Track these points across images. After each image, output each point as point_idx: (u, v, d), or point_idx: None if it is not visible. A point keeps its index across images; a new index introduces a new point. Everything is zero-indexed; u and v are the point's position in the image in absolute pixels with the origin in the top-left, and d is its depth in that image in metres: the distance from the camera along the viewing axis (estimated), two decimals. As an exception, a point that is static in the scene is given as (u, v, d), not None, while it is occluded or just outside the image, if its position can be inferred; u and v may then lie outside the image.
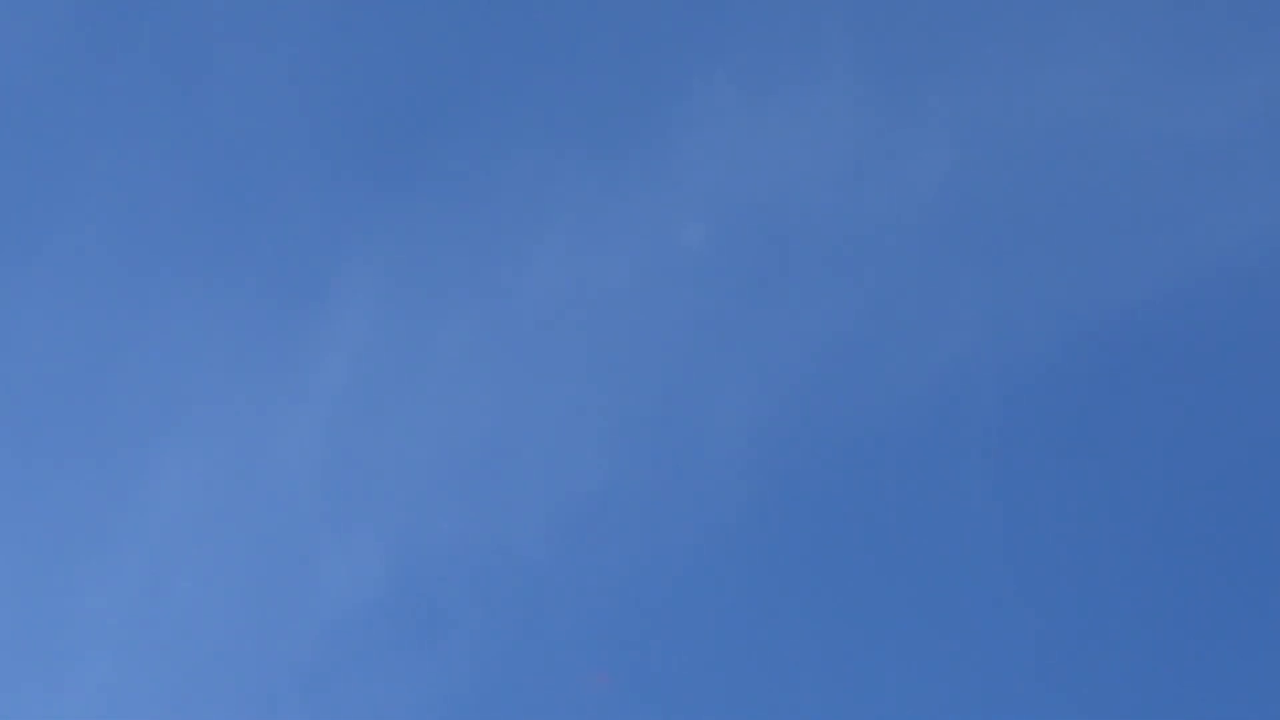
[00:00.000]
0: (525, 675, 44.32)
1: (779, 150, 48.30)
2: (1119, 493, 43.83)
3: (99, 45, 50.35)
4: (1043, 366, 45.34)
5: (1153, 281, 45.19)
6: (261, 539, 45.89)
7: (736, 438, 45.65)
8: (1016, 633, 43.31)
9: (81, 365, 48.15)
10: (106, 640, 45.48)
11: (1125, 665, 42.73)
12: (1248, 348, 44.10)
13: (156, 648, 45.04)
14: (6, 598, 45.90)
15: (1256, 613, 42.54)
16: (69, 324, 49.12)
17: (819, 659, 43.92)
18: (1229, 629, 42.81)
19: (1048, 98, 47.75)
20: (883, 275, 46.66)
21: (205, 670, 45.19)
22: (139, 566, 45.79)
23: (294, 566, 45.32)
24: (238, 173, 49.98)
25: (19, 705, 44.81)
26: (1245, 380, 44.05)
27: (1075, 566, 43.43)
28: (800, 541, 44.75)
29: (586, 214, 48.25)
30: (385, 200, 49.11)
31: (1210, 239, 44.79)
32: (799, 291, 46.79)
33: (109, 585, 45.74)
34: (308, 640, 44.82)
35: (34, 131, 50.07)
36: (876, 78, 48.76)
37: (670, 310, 47.07)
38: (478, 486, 45.94)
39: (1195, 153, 46.35)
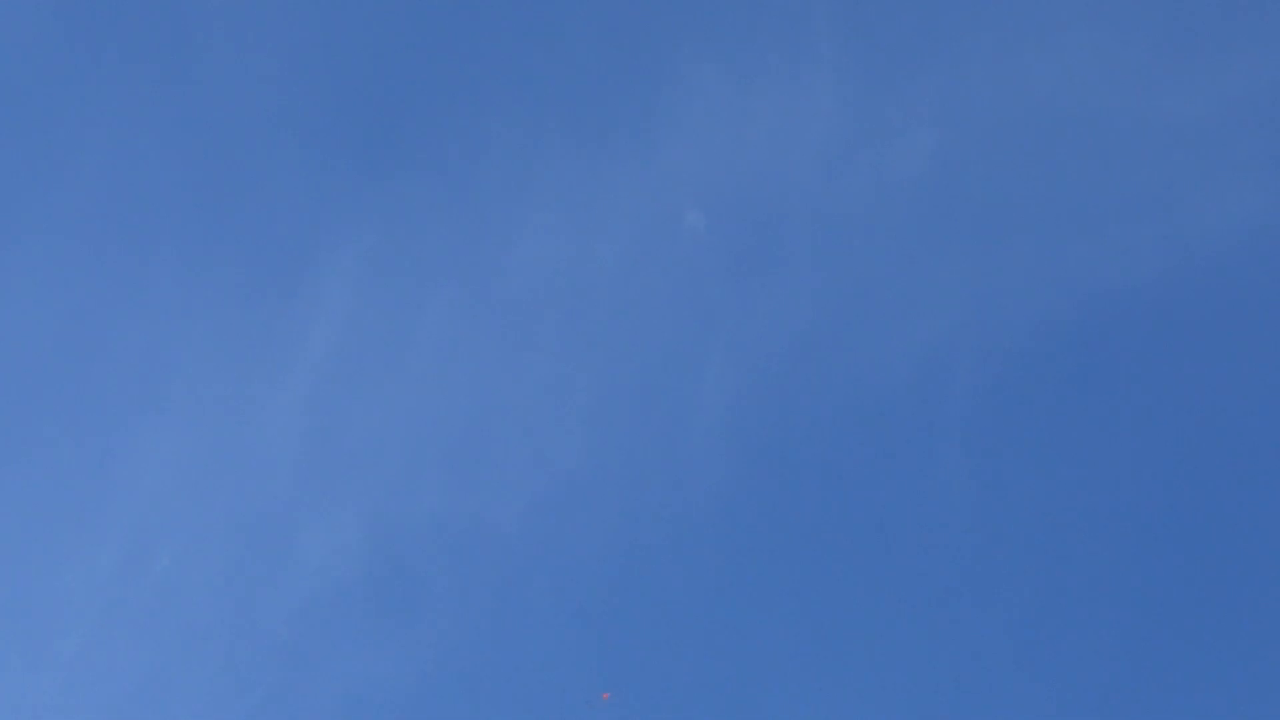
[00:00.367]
0: (502, 649, 44.44)
1: (763, 136, 48.38)
2: (1094, 474, 43.90)
3: (88, 32, 50.55)
4: (1022, 349, 45.45)
5: (1132, 267, 45.31)
6: (242, 514, 46.11)
7: (715, 418, 45.75)
8: (991, 607, 43.38)
9: (64, 344, 48.41)
10: (86, 613, 45.67)
11: (1096, 637, 42.75)
12: (1228, 332, 44.15)
13: (136, 620, 45.28)
14: (-13, 572, 46.07)
15: (1227, 585, 42.53)
16: (53, 304, 49.32)
17: (794, 635, 44.06)
18: (1200, 603, 42.78)
19: (1029, 85, 47.81)
20: (864, 259, 46.80)
21: (184, 642, 45.41)
22: (119, 540, 46.03)
23: (274, 540, 45.55)
24: (223, 155, 50.14)
25: (-2, 677, 45.00)
26: (1225, 363, 44.07)
27: (1051, 546, 43.56)
28: (776, 520, 44.88)
29: (570, 197, 48.38)
30: (369, 181, 49.24)
31: (1191, 225, 44.92)
32: (781, 275, 46.91)
33: (89, 559, 45.99)
34: (286, 613, 45.05)
35: (22, 113, 50.23)
36: (860, 65, 48.77)
37: (651, 292, 47.21)
38: (457, 463, 46.13)
39: (1176, 139, 46.40)
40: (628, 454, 45.74)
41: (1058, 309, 45.17)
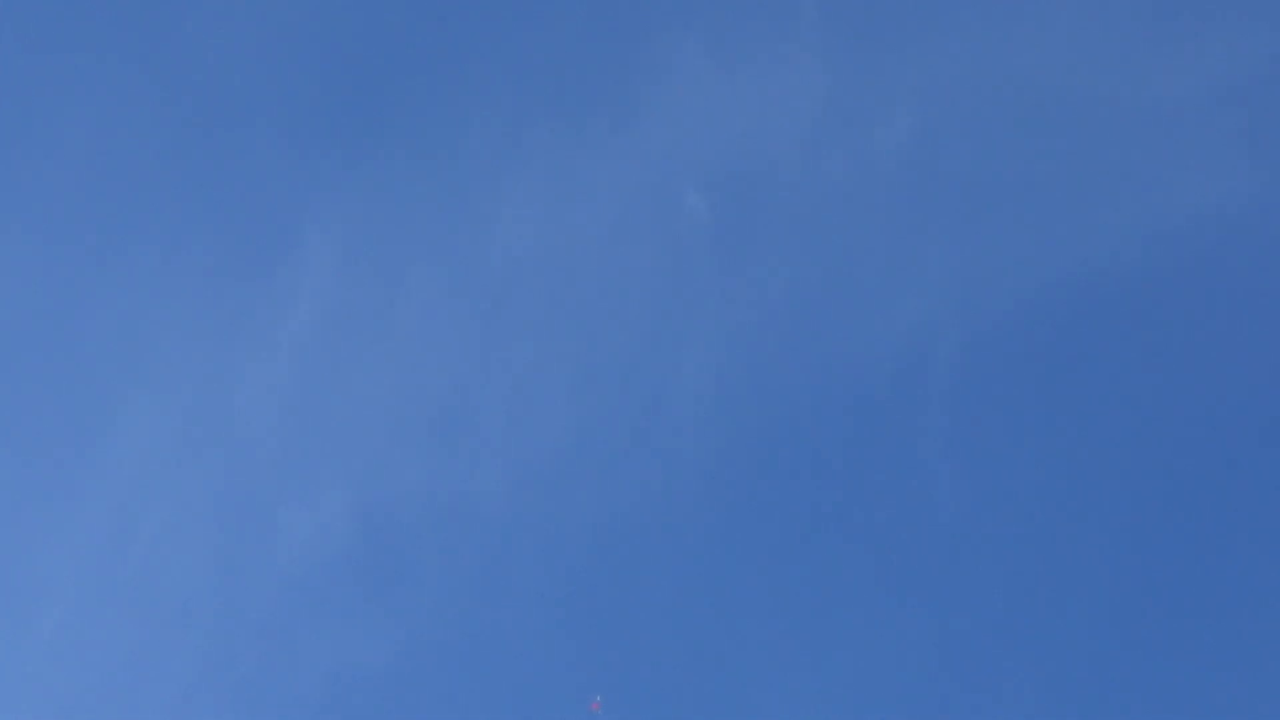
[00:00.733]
0: (485, 626, 44.47)
1: (745, 114, 48.61)
2: (1077, 452, 44.25)
3: (70, 12, 50.30)
4: (1004, 329, 45.77)
5: (1113, 247, 45.73)
6: (225, 489, 46.04)
7: (698, 394, 45.94)
8: (975, 586, 43.67)
9: (47, 324, 48.28)
10: (69, 590, 45.49)
11: (1080, 616, 43.12)
12: (1209, 312, 44.63)
13: (119, 597, 45.13)
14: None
15: (1207, 558, 42.97)
16: (35, 284, 49.12)
17: (777, 612, 44.24)
18: (1182, 580, 43.20)
19: (1010, 64, 48.17)
20: (846, 237, 47.08)
21: (167, 620, 45.31)
22: (102, 514, 45.88)
23: (257, 516, 45.50)
24: (205, 135, 50.08)
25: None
26: (1206, 343, 44.53)
27: (1033, 524, 43.88)
28: (760, 495, 45.10)
29: (552, 177, 48.51)
30: (352, 160, 49.27)
31: (1171, 206, 45.42)
32: (763, 251, 47.16)
33: (72, 533, 45.82)
34: (270, 590, 45.02)
35: (4, 86, 49.95)
36: (844, 46, 49.04)
37: (634, 271, 47.39)
38: (440, 441, 46.17)
39: (1158, 121, 46.87)
40: (611, 431, 45.90)
41: (1039, 288, 45.54)
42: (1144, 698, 42.13)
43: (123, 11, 50.32)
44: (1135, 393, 44.56)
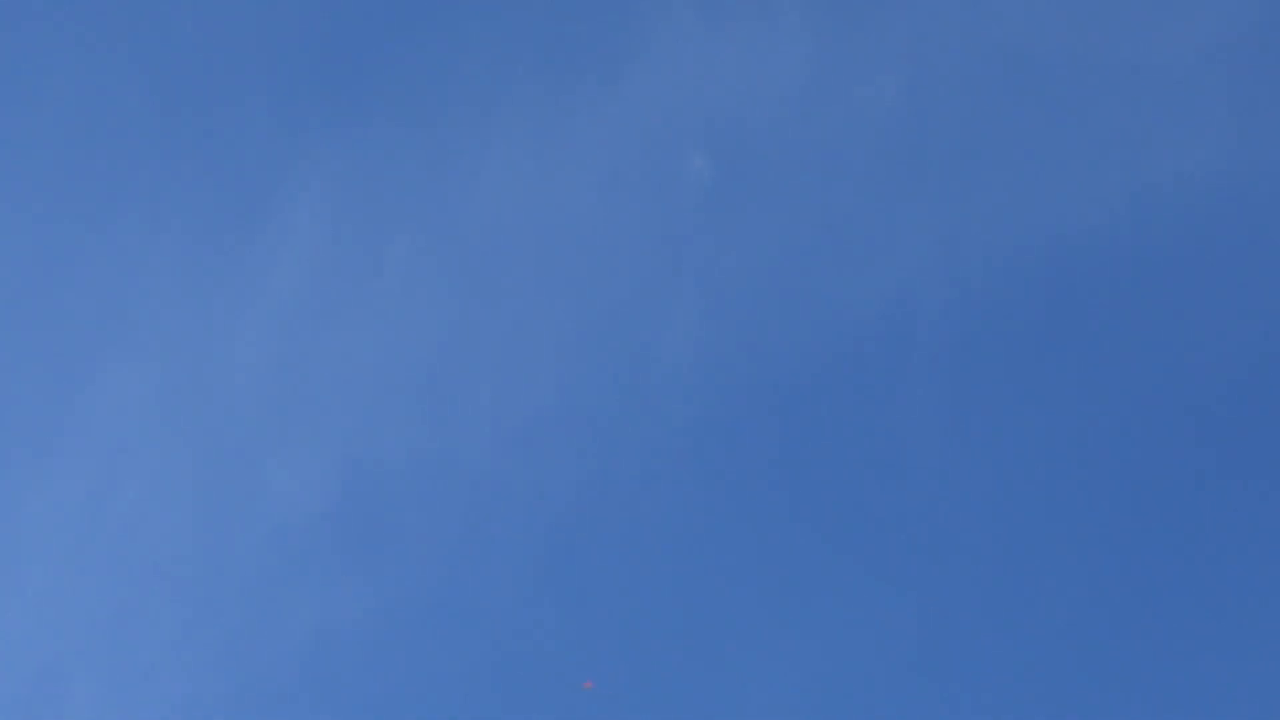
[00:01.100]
0: (471, 585, 44.55)
1: (734, 74, 48.37)
2: (1063, 413, 44.26)
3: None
4: (991, 286, 45.64)
5: (1101, 206, 45.59)
6: (210, 447, 45.96)
7: (686, 354, 45.91)
8: (960, 543, 43.71)
9: (28, 278, 48.03)
10: (52, 546, 45.51)
11: (1066, 573, 43.18)
12: (1196, 275, 44.53)
13: (103, 552, 45.10)
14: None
15: (1195, 523, 43.03)
16: (19, 232, 48.90)
17: (763, 573, 44.26)
18: (1167, 541, 43.27)
19: (1000, 25, 47.87)
20: (835, 196, 46.91)
21: (151, 577, 45.31)
22: (87, 472, 45.84)
23: (242, 474, 45.44)
24: (188, 89, 49.73)
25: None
26: (1193, 304, 44.45)
27: (1018, 482, 43.85)
28: (748, 456, 45.08)
29: (537, 132, 48.28)
30: (335, 117, 49.04)
31: (1160, 168, 45.25)
32: (751, 211, 46.98)
33: (56, 490, 45.77)
34: (255, 548, 44.98)
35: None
36: (831, 4, 48.64)
37: (621, 227, 47.22)
38: (427, 398, 46.09)
39: (1147, 83, 46.61)
40: (598, 393, 45.87)
41: (1026, 250, 45.47)
42: (1136, 674, 42.31)
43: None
44: (1124, 357, 44.60)
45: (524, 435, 45.42)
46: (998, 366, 45.05)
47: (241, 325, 46.61)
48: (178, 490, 45.70)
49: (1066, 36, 46.53)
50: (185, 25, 49.15)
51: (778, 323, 45.95)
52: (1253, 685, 41.59)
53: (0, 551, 45.55)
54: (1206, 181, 44.74)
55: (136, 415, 46.35)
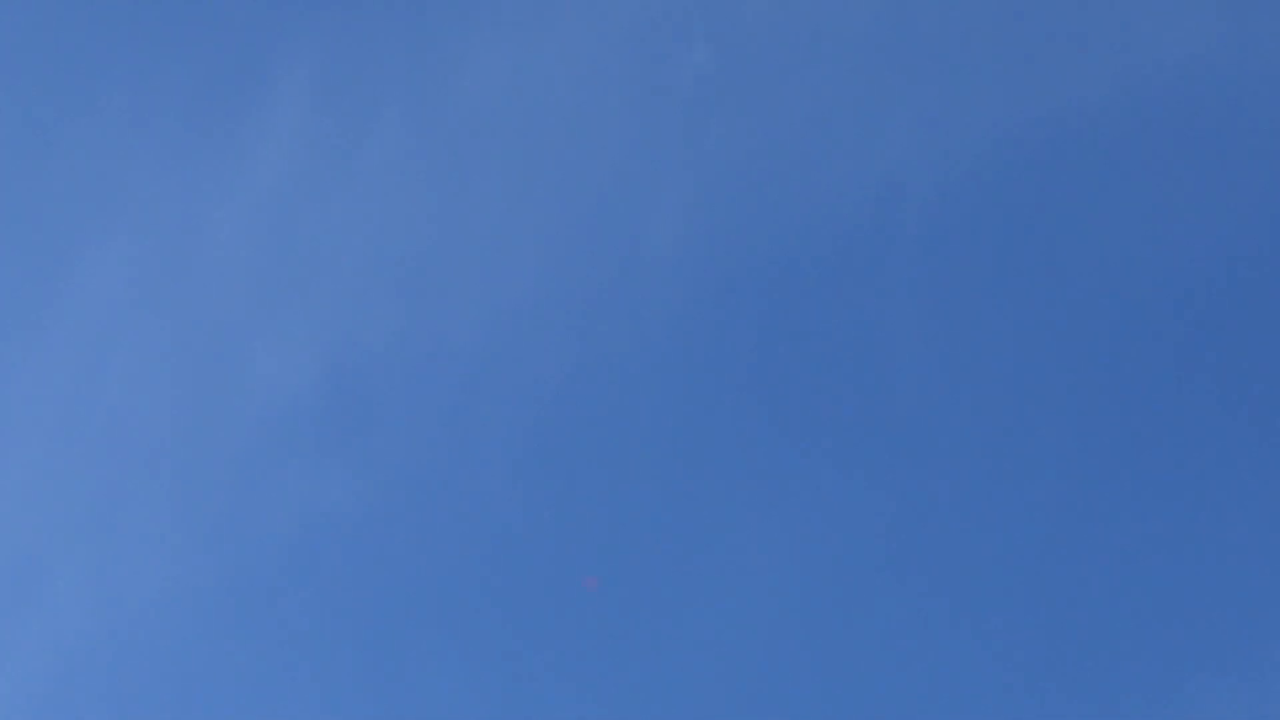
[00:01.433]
0: (459, 470, 44.41)
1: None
2: (1053, 297, 44.14)
3: None
4: (978, 174, 45.46)
5: (1088, 91, 45.36)
6: (195, 331, 45.69)
7: (672, 243, 45.69)
8: (944, 429, 43.56)
9: (13, 155, 47.60)
10: (35, 431, 45.25)
11: (1054, 463, 43.09)
12: (1186, 156, 44.36)
13: (86, 436, 44.87)
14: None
15: (1192, 416, 42.97)
16: (1, 112, 48.30)
17: (746, 460, 44.19)
18: (1162, 435, 43.18)
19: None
20: (820, 83, 46.62)
21: (136, 461, 45.08)
22: (69, 355, 45.54)
23: (228, 358, 45.17)
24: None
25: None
26: (1181, 186, 44.33)
27: (1006, 368, 43.71)
28: (733, 346, 44.94)
29: (526, 19, 47.87)
30: (319, -1, 48.36)
31: (1150, 48, 44.96)
32: (736, 99, 46.72)
33: (40, 374, 45.46)
34: (240, 432, 44.77)
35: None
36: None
37: (608, 117, 46.92)
38: (414, 283, 45.84)
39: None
40: (586, 275, 45.65)
41: (1017, 134, 45.25)
42: (1127, 568, 42.30)
43: None
44: (1115, 244, 44.46)
45: (512, 321, 45.22)
46: (986, 254, 44.94)
47: (227, 209, 46.29)
48: (162, 374, 45.45)
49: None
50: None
51: (767, 209, 45.75)
52: (1250, 583, 41.69)
53: (-17, 435, 45.45)
54: (1202, 62, 44.59)
55: (120, 298, 46.03)
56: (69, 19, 48.00)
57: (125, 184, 46.86)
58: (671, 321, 44.99)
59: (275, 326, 45.33)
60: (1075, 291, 44.15)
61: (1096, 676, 41.84)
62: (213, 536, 44.29)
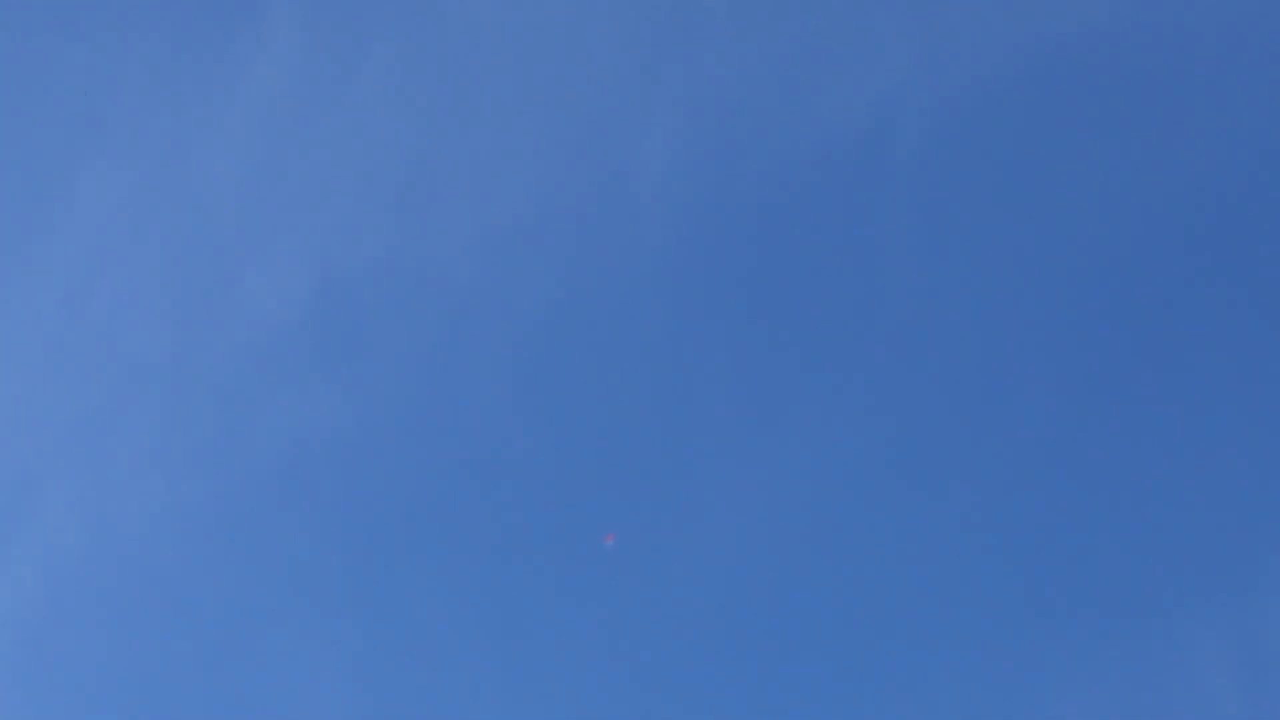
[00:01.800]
0: (448, 393, 44.43)
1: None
2: (1046, 217, 44.02)
3: None
4: (969, 101, 45.37)
5: (1079, 19, 45.22)
6: (185, 253, 45.75)
7: (663, 168, 45.67)
8: (939, 344, 43.58)
9: (7, 78, 47.57)
10: (26, 350, 45.28)
11: (1050, 367, 42.95)
12: (1181, 85, 44.20)
13: (77, 358, 44.91)
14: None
15: (1178, 318, 42.84)
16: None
17: (744, 377, 44.18)
18: (1152, 329, 43.18)
19: None
20: (811, 10, 46.53)
21: (125, 382, 45.16)
22: (61, 277, 45.59)
23: (218, 280, 45.21)
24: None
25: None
26: (1186, 117, 44.14)
27: (994, 299, 43.68)
28: (727, 265, 44.91)
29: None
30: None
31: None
32: (728, 25, 46.62)
33: (31, 295, 45.50)
34: (231, 354, 44.83)
35: None
36: None
37: (600, 41, 46.82)
38: (404, 208, 45.84)
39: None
40: (576, 198, 45.63)
41: (1010, 57, 45.19)
42: (1124, 472, 42.35)
43: None
44: (1110, 165, 44.31)
45: (502, 244, 45.23)
46: (977, 175, 44.89)
47: (218, 131, 46.27)
48: (153, 296, 45.50)
49: None
50: None
51: (759, 131, 45.69)
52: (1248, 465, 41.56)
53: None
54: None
55: (112, 220, 46.10)
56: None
57: (119, 107, 46.92)
58: (663, 241, 45.02)
59: (266, 249, 45.45)
60: (1064, 206, 44.13)
61: (1091, 581, 41.98)
62: (203, 456, 44.46)
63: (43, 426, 44.98)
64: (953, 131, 45.03)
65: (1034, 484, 42.23)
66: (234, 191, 45.82)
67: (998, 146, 44.91)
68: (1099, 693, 40.76)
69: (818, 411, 43.55)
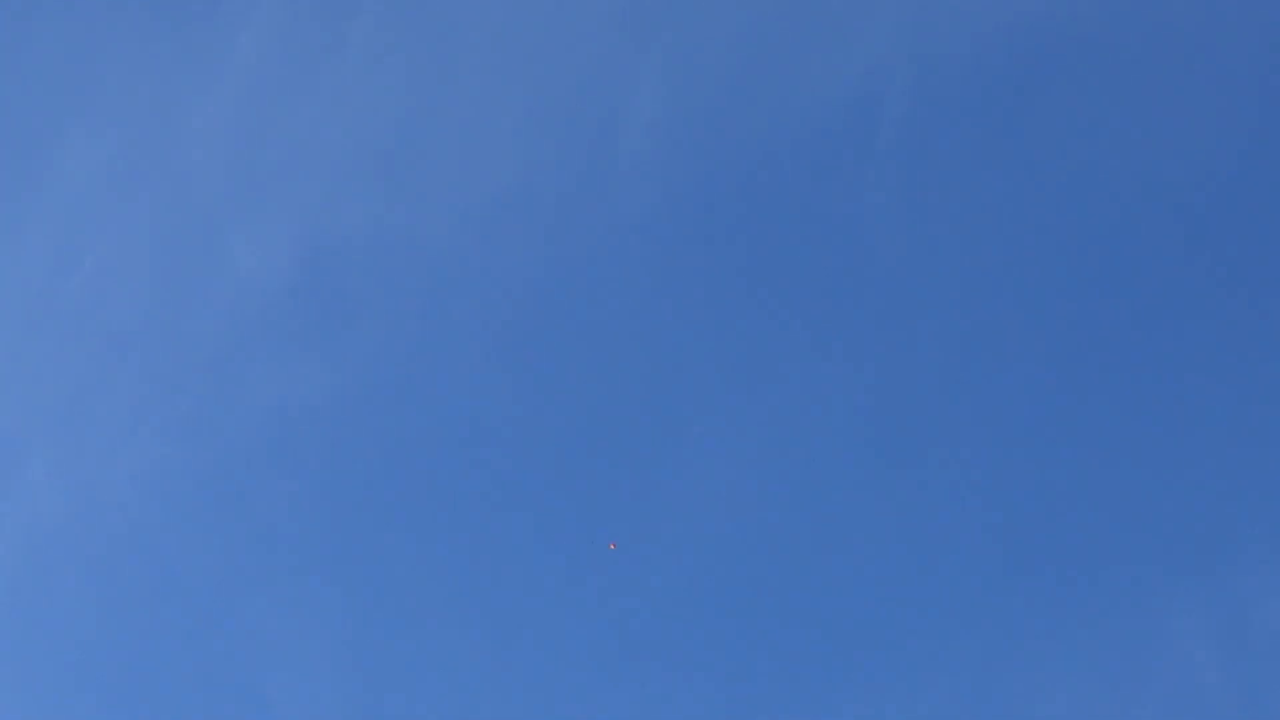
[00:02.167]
0: (431, 361, 44.47)
1: None
2: (1029, 189, 43.91)
3: None
4: (955, 76, 45.20)
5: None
6: (172, 220, 45.75)
7: (648, 136, 45.58)
8: (920, 314, 43.47)
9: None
10: (12, 316, 45.34)
11: (1029, 339, 42.94)
12: (1165, 51, 43.94)
13: (63, 324, 44.98)
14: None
15: (1162, 296, 42.76)
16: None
17: (727, 347, 44.19)
18: (1141, 324, 43.14)
19: None
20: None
21: (112, 349, 45.22)
22: (44, 244, 45.60)
23: (204, 248, 45.24)
24: None
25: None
26: (1163, 81, 43.90)
27: (981, 269, 43.66)
28: (710, 236, 44.89)
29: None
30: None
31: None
32: (714, -3, 46.25)
33: (17, 261, 45.53)
34: (216, 322, 44.88)
35: None
36: None
37: (585, 14, 46.63)
38: (389, 175, 45.78)
39: None
40: (560, 169, 45.54)
41: (996, 24, 45.00)
42: (1106, 447, 42.36)
43: None
44: (1092, 139, 44.19)
45: (486, 213, 45.16)
46: (965, 150, 44.78)
47: (204, 99, 46.16)
48: (138, 264, 45.50)
49: None
50: None
51: (744, 103, 45.56)
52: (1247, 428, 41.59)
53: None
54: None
55: (97, 190, 46.04)
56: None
57: (104, 75, 46.77)
58: (647, 213, 44.94)
59: (251, 218, 45.37)
60: (1050, 182, 44.05)
61: (1075, 555, 42.11)
62: (187, 424, 44.54)
63: (27, 393, 45.13)
64: (939, 105, 44.92)
65: (1016, 463, 42.40)
66: (219, 161, 45.80)
67: (984, 120, 44.80)
68: (1081, 667, 40.98)
69: (801, 384, 43.62)
